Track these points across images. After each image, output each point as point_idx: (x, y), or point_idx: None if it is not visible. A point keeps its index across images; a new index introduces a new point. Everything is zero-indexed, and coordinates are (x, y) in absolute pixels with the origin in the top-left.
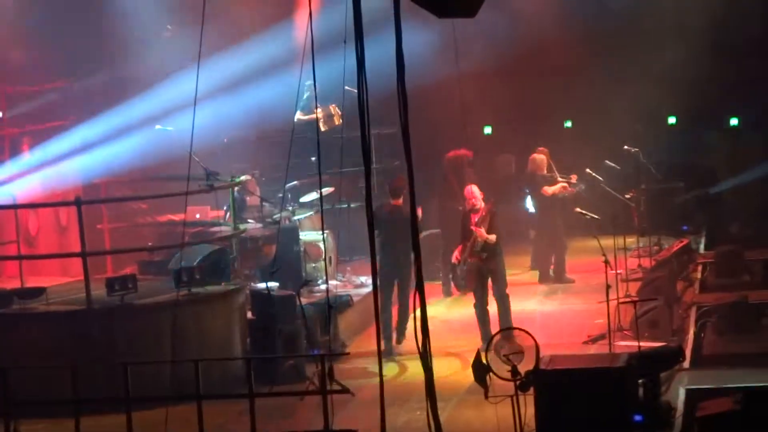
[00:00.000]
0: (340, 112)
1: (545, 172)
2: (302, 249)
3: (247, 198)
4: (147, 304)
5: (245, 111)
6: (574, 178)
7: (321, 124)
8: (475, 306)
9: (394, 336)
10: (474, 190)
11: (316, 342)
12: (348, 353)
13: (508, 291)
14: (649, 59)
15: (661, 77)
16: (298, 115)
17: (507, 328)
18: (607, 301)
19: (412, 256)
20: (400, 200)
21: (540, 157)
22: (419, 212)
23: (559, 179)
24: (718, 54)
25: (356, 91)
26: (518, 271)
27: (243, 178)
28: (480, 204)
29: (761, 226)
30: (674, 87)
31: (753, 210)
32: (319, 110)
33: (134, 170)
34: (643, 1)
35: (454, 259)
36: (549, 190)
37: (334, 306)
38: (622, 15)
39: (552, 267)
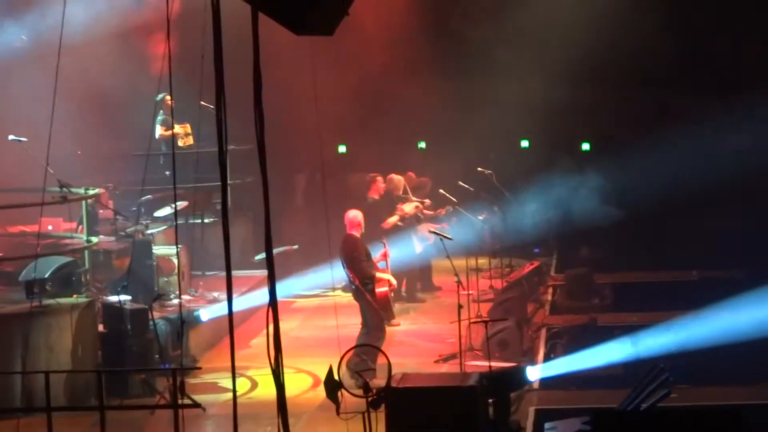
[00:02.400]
0: (191, 132)
1: (400, 193)
2: (155, 263)
3: (100, 211)
4: None
5: (101, 124)
6: (427, 202)
7: (180, 140)
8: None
9: None
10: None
11: (167, 356)
12: (199, 367)
13: None
14: (503, 85)
15: (515, 102)
16: (160, 131)
17: (359, 345)
18: (459, 321)
19: None
20: None
21: (397, 177)
22: None
23: (413, 199)
24: (571, 80)
25: (213, 107)
26: None
27: (96, 191)
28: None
29: (610, 251)
30: (528, 112)
31: (602, 234)
32: (177, 126)
33: None
34: (499, 29)
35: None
36: (404, 209)
37: (185, 321)
38: (478, 42)
39: (404, 287)
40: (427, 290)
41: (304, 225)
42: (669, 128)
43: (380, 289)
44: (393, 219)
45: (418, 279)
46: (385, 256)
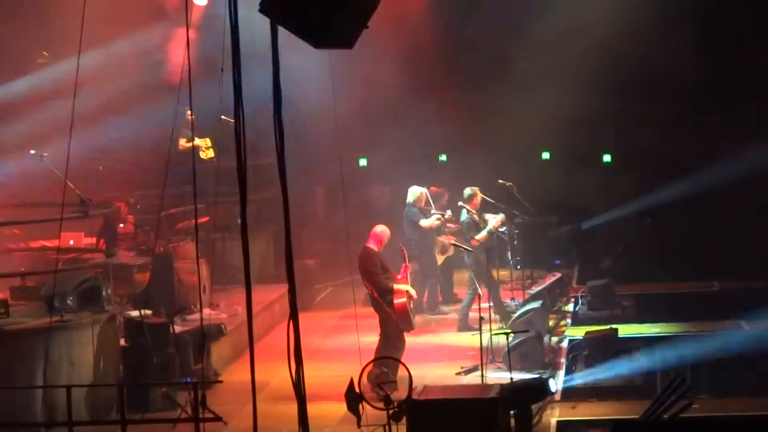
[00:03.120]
0: (211, 145)
1: (423, 205)
2: (176, 277)
3: (120, 225)
4: (19, 330)
5: (120, 139)
6: (448, 214)
7: (201, 153)
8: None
9: None
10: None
11: (188, 370)
12: (221, 381)
13: None
14: (523, 96)
15: (536, 114)
16: (182, 143)
17: (380, 358)
18: (480, 332)
19: None
20: None
21: (420, 190)
22: None
23: (434, 213)
24: (592, 92)
25: (233, 120)
26: None
27: (116, 205)
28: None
29: (631, 261)
30: (549, 124)
31: (624, 245)
32: (197, 140)
33: (8, 195)
34: (519, 40)
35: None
36: (425, 223)
37: (207, 334)
38: (498, 53)
39: (425, 299)
40: (449, 302)
41: (324, 238)
42: (693, 139)
43: (398, 300)
44: (431, 219)
45: (439, 291)
46: (406, 268)
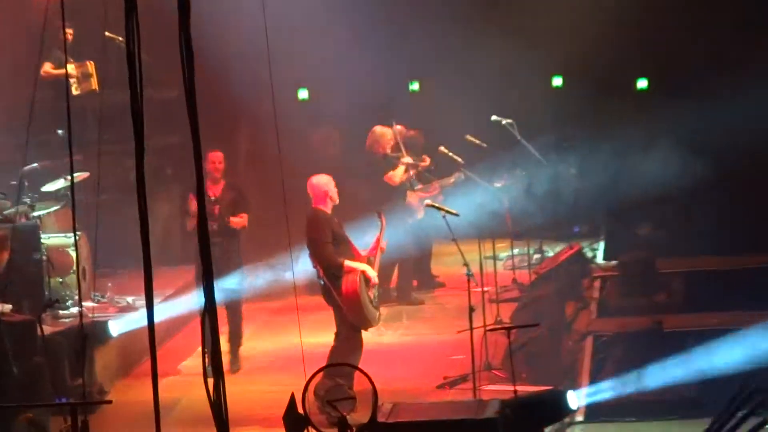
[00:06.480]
0: (93, 73)
1: (389, 151)
2: (45, 257)
3: None
4: None
5: None
6: (426, 161)
7: (74, 85)
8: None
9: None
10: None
11: (63, 386)
12: (109, 401)
13: None
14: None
15: (543, 24)
16: (47, 68)
17: (332, 365)
18: (471, 329)
19: None
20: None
21: (383, 130)
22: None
23: (405, 161)
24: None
25: (121, 38)
26: None
27: None
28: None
29: (680, 226)
30: (562, 38)
31: (669, 204)
32: (72, 66)
33: None
34: None
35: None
36: (395, 176)
37: (89, 337)
38: None
39: (393, 282)
40: (426, 287)
41: (252, 199)
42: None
43: (348, 283)
44: (399, 171)
45: (412, 272)
46: (377, 243)
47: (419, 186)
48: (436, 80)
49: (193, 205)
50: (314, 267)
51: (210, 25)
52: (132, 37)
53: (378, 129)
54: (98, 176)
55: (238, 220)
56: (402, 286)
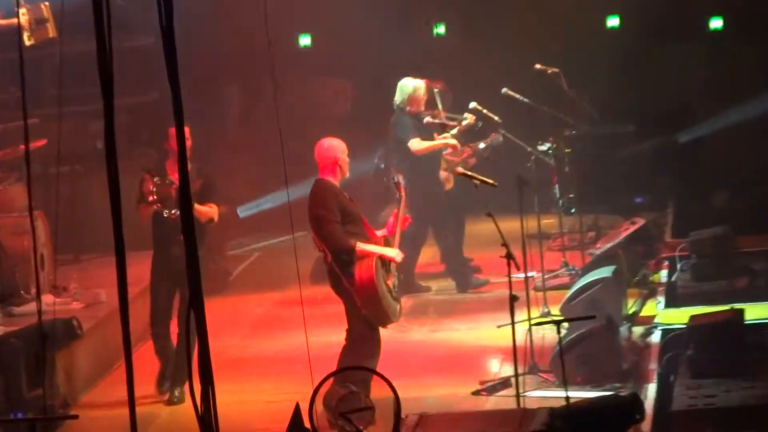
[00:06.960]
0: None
1: (422, 109)
2: None
3: None
4: None
5: None
6: (472, 120)
7: (26, 35)
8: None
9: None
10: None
11: (20, 397)
12: (75, 416)
13: None
14: None
15: None
16: None
17: (344, 369)
18: (512, 323)
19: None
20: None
21: (417, 83)
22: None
23: (447, 122)
24: None
25: None
26: None
27: None
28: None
29: (764, 195)
30: None
31: (751, 168)
32: (23, 12)
33: None
34: None
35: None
36: (421, 144)
37: (50, 337)
38: None
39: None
40: (458, 274)
41: (245, 168)
42: None
43: (361, 271)
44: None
45: (443, 255)
46: (395, 219)
47: (448, 150)
48: (465, 22)
49: (148, 188)
50: (319, 251)
51: None
52: None
53: (410, 82)
54: (58, 143)
55: (206, 209)
56: (403, 271)
